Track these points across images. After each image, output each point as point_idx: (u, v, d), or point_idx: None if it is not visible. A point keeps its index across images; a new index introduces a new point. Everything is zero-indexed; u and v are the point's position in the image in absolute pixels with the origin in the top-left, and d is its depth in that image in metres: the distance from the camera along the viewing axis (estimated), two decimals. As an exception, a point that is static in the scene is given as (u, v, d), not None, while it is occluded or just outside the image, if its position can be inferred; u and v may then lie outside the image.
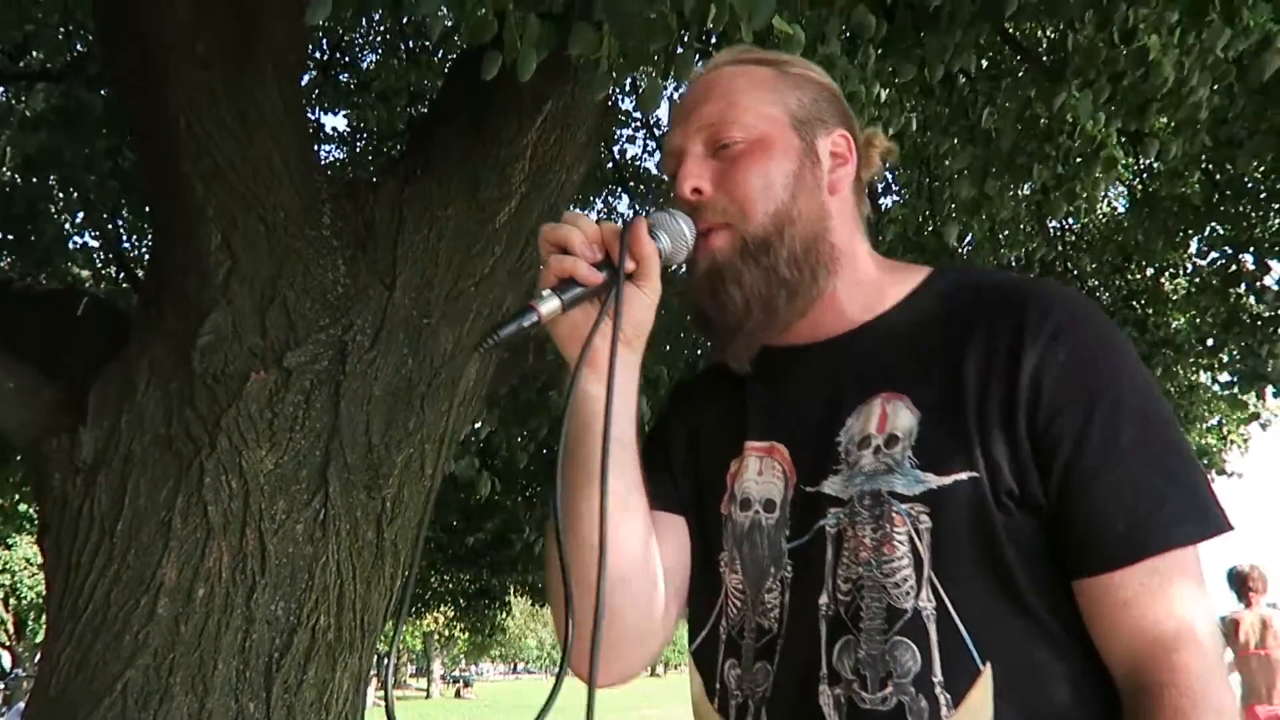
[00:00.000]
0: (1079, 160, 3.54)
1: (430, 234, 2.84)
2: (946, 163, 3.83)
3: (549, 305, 0.85)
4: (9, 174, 4.16)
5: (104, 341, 2.97)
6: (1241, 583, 5.62)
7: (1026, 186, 3.62)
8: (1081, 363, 0.83)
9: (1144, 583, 0.80)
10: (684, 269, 0.98)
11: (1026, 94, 3.51)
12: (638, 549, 0.94)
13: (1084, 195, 3.51)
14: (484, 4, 2.04)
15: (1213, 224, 5.64)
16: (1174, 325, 6.92)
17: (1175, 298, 6.96)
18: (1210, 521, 0.82)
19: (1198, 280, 6.48)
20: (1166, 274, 6.86)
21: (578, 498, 0.89)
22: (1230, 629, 5.37)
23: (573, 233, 0.87)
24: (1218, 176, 5.39)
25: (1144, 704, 0.78)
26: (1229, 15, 3.11)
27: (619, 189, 7.93)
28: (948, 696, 0.80)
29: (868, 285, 0.96)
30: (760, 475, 0.94)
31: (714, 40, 2.31)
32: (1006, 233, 4.02)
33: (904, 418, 0.87)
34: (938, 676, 0.81)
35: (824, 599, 0.86)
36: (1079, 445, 0.81)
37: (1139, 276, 7.04)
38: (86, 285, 5.29)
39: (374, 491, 2.62)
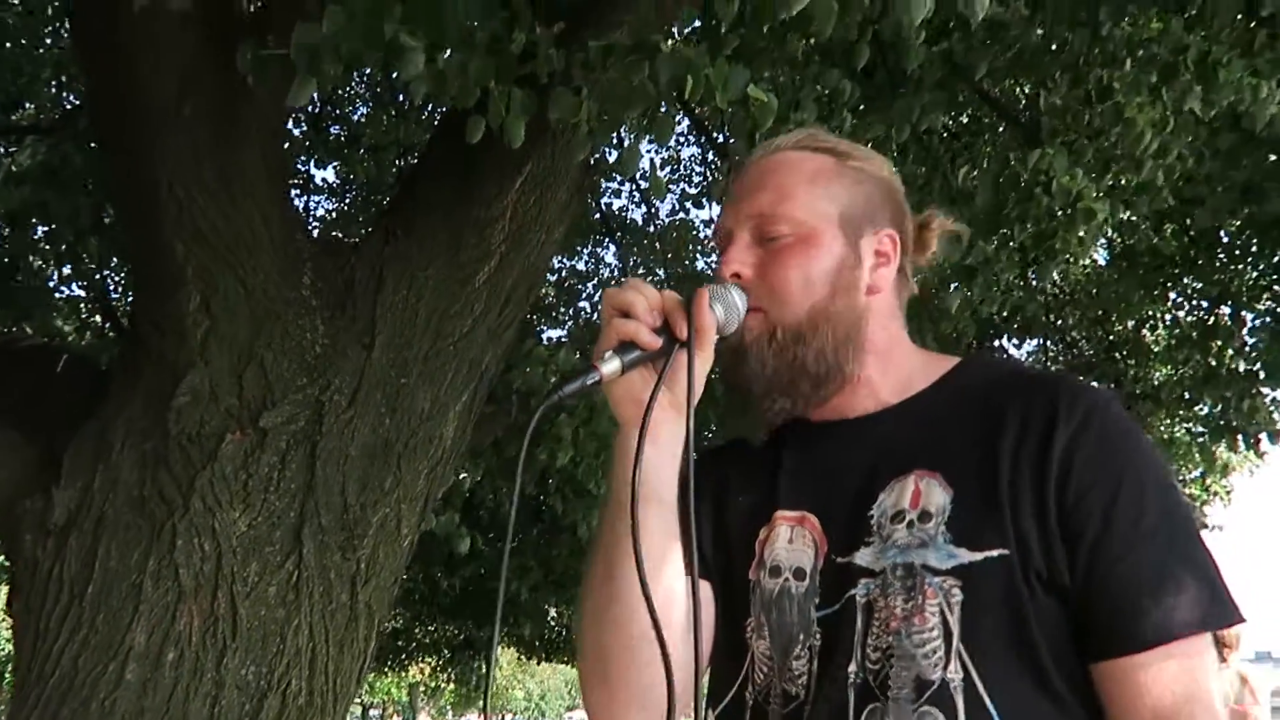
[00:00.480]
0: (1059, 216, 3.59)
1: (410, 294, 2.86)
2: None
3: (610, 366, 0.88)
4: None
5: (82, 398, 2.96)
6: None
7: (1010, 244, 3.67)
8: (1110, 446, 0.87)
9: (1163, 666, 0.83)
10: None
11: (1004, 153, 3.58)
12: (680, 613, 0.94)
13: (1067, 252, 3.56)
14: (465, 81, 2.08)
15: (1187, 278, 5.71)
16: (1156, 377, 6.97)
17: (1157, 349, 7.02)
18: (1227, 612, 0.85)
19: (1177, 333, 6.55)
20: (1147, 327, 6.93)
21: (631, 560, 0.88)
22: None
23: (636, 298, 0.90)
24: (1190, 231, 5.48)
25: None
26: (1202, 74, 3.19)
27: (606, 239, 8.01)
28: None
29: (899, 370, 0.99)
30: (791, 543, 0.96)
31: (697, 102, 2.37)
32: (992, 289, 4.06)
33: (937, 494, 0.89)
34: None
35: (853, 667, 0.88)
36: (1106, 523, 0.84)
37: (1121, 329, 7.11)
38: (69, 339, 5.28)
39: (349, 552, 2.61)
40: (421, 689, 31.81)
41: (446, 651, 11.10)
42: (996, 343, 7.55)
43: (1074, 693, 0.85)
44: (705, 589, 1.01)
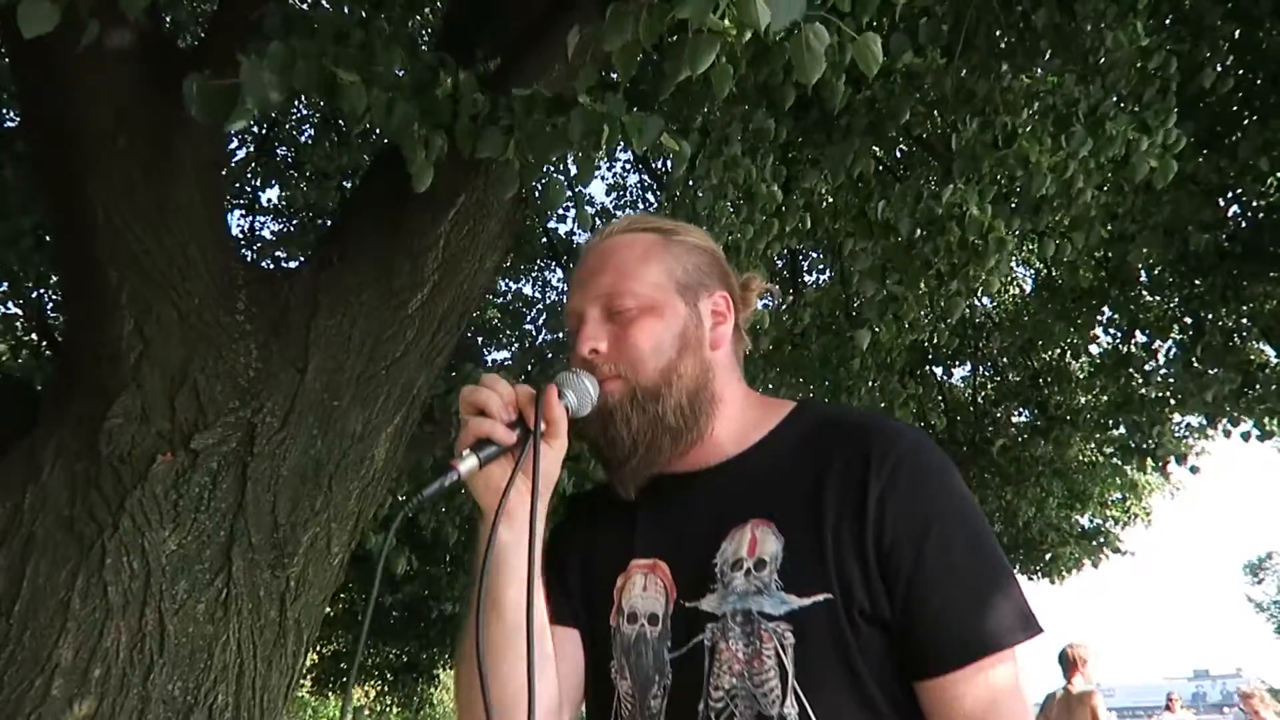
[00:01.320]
0: (973, 245, 3.79)
1: (344, 319, 2.95)
2: (850, 258, 4.08)
3: (468, 464, 0.97)
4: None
5: (13, 420, 3.00)
6: (1066, 662, 5.56)
7: (928, 279, 3.85)
8: (916, 493, 0.99)
9: (974, 680, 0.94)
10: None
11: (920, 187, 3.78)
12: (550, 692, 1.05)
13: (979, 281, 3.76)
14: (390, 123, 2.20)
15: (1104, 310, 5.98)
16: (1079, 402, 7.26)
17: (1080, 376, 7.31)
18: (1030, 627, 0.97)
19: (1096, 361, 6.83)
20: (1070, 354, 7.22)
21: (499, 640, 0.99)
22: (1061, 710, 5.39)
23: (490, 397, 0.99)
24: (1106, 266, 5.75)
25: None
26: (1091, 126, 3.42)
27: (552, 262, 8.12)
28: None
29: (741, 421, 1.11)
30: (645, 590, 1.06)
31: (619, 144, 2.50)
32: (911, 320, 4.25)
33: (770, 543, 1.00)
34: None
35: (701, 705, 0.98)
36: (918, 564, 0.96)
37: (1045, 357, 7.39)
38: (3, 358, 5.25)
39: (278, 570, 2.68)
40: (367, 714, 31.30)
41: (389, 675, 11.03)
42: (929, 369, 7.81)
43: (896, 714, 0.96)
44: (573, 636, 1.11)
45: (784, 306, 5.91)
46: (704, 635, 0.99)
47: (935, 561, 0.96)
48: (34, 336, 6.05)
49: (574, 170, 3.20)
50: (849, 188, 4.45)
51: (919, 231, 3.75)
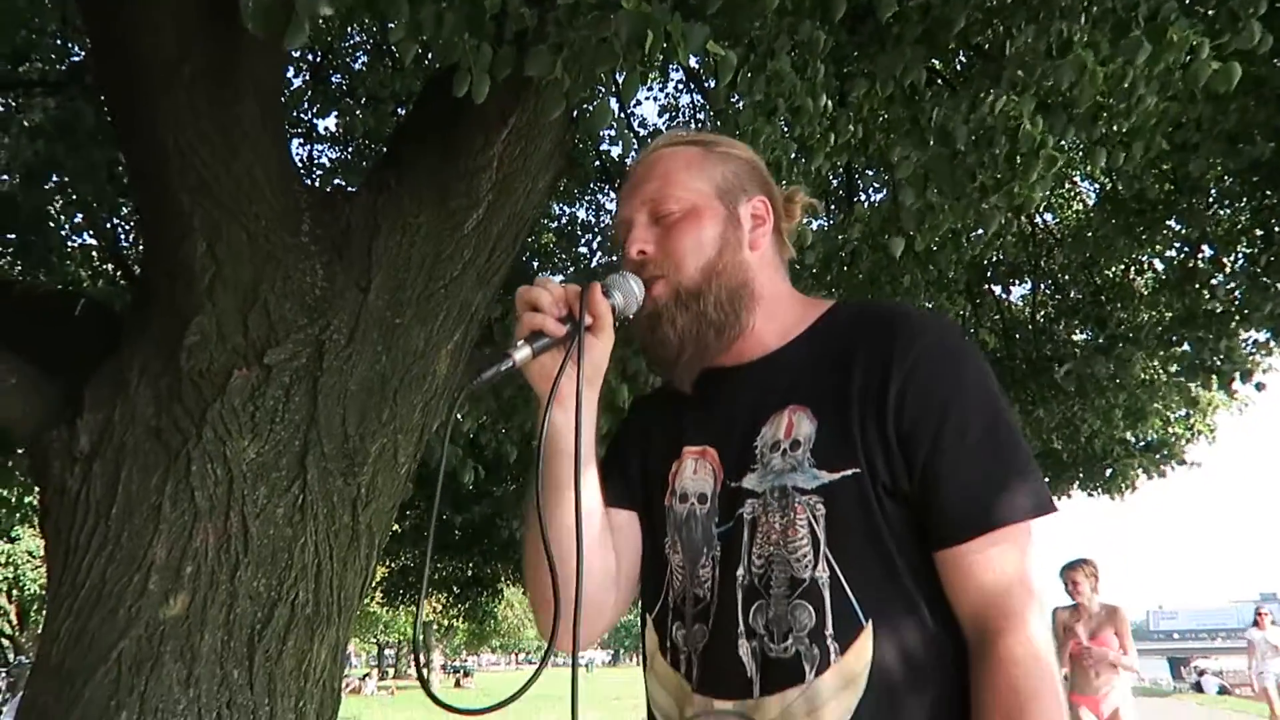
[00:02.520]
0: (1021, 159, 3.73)
1: (403, 240, 3.05)
2: (888, 176, 4.04)
3: (522, 353, 1.06)
4: (12, 181, 4.37)
5: (99, 341, 3.18)
6: (1071, 575, 5.45)
7: (970, 190, 3.80)
8: (936, 377, 1.06)
9: (986, 552, 1.02)
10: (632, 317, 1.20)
11: (976, 95, 3.71)
12: (596, 547, 1.17)
13: (1021, 197, 3.70)
14: (441, 33, 2.25)
15: (1169, 222, 5.83)
16: (1143, 319, 7.12)
17: (1144, 293, 7.15)
18: (1040, 505, 1.04)
19: (1162, 277, 6.68)
20: (1133, 270, 7.06)
21: (554, 509, 1.11)
22: (1068, 621, 5.32)
23: (541, 294, 1.09)
24: (1173, 177, 5.59)
25: (986, 647, 1.00)
26: (1152, 33, 3.31)
27: (606, 185, 8.13)
28: (836, 646, 1.01)
29: (783, 318, 1.19)
30: (695, 474, 1.16)
31: (660, 62, 2.52)
32: (945, 230, 4.20)
33: (805, 425, 1.08)
34: (829, 630, 1.02)
35: (741, 571, 1.08)
36: (935, 445, 1.03)
37: (1108, 273, 7.24)
38: (85, 285, 5.49)
39: (349, 478, 2.84)
40: (435, 628, 32.63)
41: (456, 588, 11.48)
42: (988, 286, 7.70)
43: (917, 580, 1.04)
44: (632, 518, 1.22)
45: (833, 224, 5.88)
46: (745, 510, 1.09)
47: (951, 441, 1.03)
48: (110, 266, 6.31)
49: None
50: (901, 99, 4.38)
51: (970, 141, 3.69)
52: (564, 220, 8.17)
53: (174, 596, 2.51)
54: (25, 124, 4.07)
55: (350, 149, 7.32)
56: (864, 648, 1.00)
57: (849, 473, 1.04)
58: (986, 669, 0.99)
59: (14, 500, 10.97)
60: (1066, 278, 7.35)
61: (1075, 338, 7.55)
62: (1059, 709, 0.98)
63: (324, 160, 7.51)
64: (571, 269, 8.07)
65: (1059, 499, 8.62)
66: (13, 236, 4.80)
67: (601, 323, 1.09)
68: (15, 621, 22.48)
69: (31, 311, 3.62)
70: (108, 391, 2.77)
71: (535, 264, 7.82)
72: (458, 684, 34.99)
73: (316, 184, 6.76)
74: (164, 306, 2.84)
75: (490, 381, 1.05)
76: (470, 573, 10.64)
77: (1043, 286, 7.60)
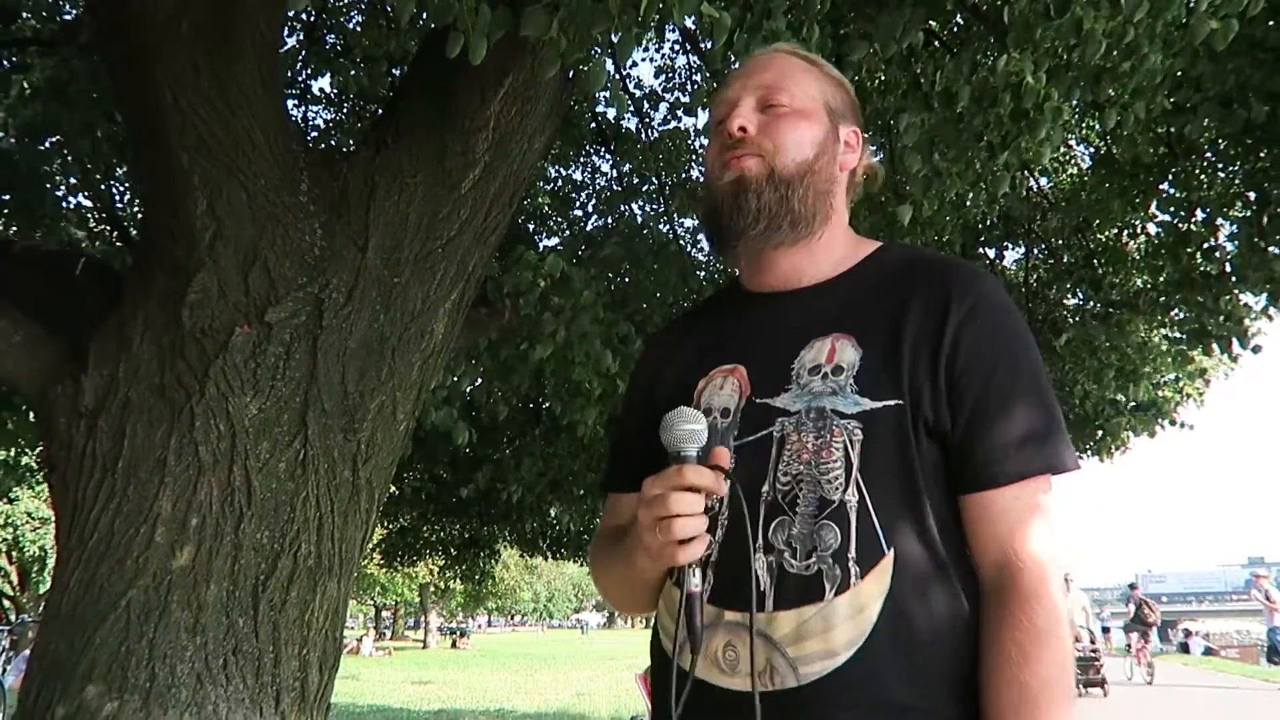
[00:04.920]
0: (1027, 114, 3.74)
1: (400, 199, 3.07)
2: (900, 133, 4.04)
3: (695, 580, 1.07)
4: (9, 141, 4.37)
5: (100, 299, 3.21)
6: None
7: (978, 151, 3.81)
8: (991, 328, 1.10)
9: (1015, 499, 1.06)
10: (703, 185, 1.24)
11: (975, 56, 3.72)
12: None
13: (1030, 152, 3.73)
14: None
15: (1164, 186, 5.86)
16: (1136, 283, 7.16)
17: (1137, 257, 7.19)
18: (1069, 464, 1.09)
19: (1155, 240, 6.71)
20: (1127, 234, 7.09)
21: (639, 583, 1.20)
22: None
23: (692, 523, 1.06)
24: (1168, 140, 5.60)
25: (1007, 585, 1.04)
26: (1148, -13, 3.31)
27: (601, 148, 8.13)
28: (858, 569, 1.04)
29: (840, 247, 1.22)
30: (722, 389, 1.18)
31: (656, 22, 2.53)
32: (954, 195, 4.22)
33: (849, 353, 1.11)
34: (853, 553, 1.04)
35: (766, 488, 1.09)
36: (984, 389, 1.08)
37: (1102, 236, 7.27)
38: (83, 245, 5.51)
39: (349, 434, 2.90)
40: (431, 589, 32.95)
41: (453, 550, 11.60)
42: (981, 250, 7.74)
43: (939, 519, 1.08)
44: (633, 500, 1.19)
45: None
46: (774, 428, 1.11)
47: (998, 391, 1.07)
48: (106, 227, 6.32)
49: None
50: (899, 61, 4.38)
51: (973, 101, 3.70)
52: (559, 182, 8.16)
53: (180, 548, 2.57)
54: (24, 85, 4.06)
55: (345, 110, 7.29)
56: (884, 574, 1.03)
57: (892, 403, 1.07)
58: (1005, 606, 1.03)
59: (12, 461, 11.05)
60: (1060, 241, 7.38)
61: (1068, 302, 7.60)
62: (1070, 654, 1.03)
63: (319, 121, 7.49)
64: (566, 231, 8.08)
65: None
66: (8, 197, 4.81)
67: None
68: (16, 582, 22.66)
69: (32, 270, 3.65)
70: (111, 348, 2.81)
71: (530, 226, 7.83)
72: (454, 645, 35.41)
73: (313, 145, 6.75)
74: (165, 264, 2.88)
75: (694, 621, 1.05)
76: (468, 535, 10.76)
77: (1036, 250, 7.64)
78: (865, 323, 1.13)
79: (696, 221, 7.94)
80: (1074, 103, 4.69)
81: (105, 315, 3.00)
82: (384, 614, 44.66)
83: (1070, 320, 7.21)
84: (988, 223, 7.29)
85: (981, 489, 1.07)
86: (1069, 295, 7.51)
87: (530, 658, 26.92)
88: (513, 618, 64.52)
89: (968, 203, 5.09)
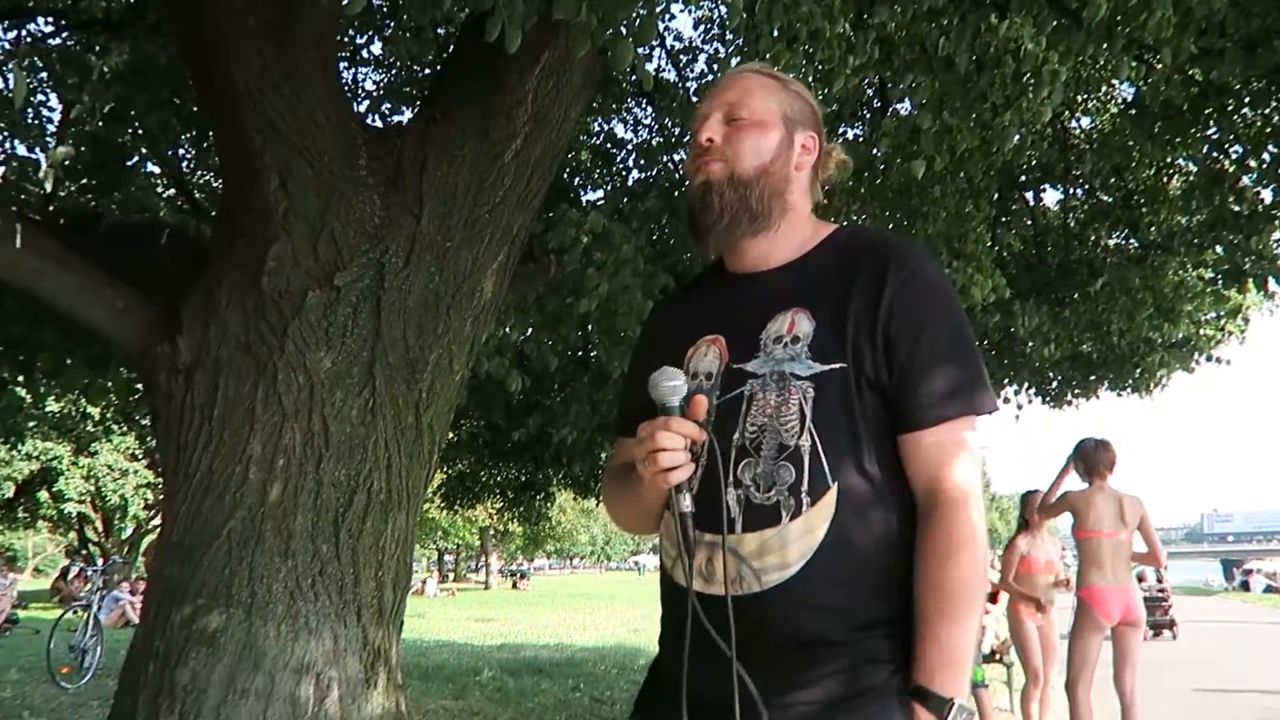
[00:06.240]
0: (1026, 78, 3.91)
1: (449, 170, 3.38)
2: (907, 99, 4.22)
3: (687, 503, 1.31)
4: (96, 123, 4.75)
5: (184, 266, 3.60)
6: (1091, 457, 5.15)
7: (983, 111, 3.98)
8: (921, 296, 1.34)
9: (941, 436, 1.31)
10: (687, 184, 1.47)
11: (978, 23, 3.88)
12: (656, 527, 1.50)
13: (1031, 112, 3.90)
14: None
15: (1195, 128, 5.90)
16: (1173, 223, 7.19)
17: (1175, 196, 7.20)
18: (988, 406, 1.35)
19: (1190, 180, 6.75)
20: (1165, 175, 7.11)
21: (644, 507, 1.45)
22: (1077, 505, 5.12)
23: (674, 456, 1.29)
24: (1199, 82, 5.64)
25: (933, 506, 1.30)
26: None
27: (642, 100, 8.30)
28: (808, 499, 1.29)
29: (801, 233, 1.46)
30: (705, 356, 1.43)
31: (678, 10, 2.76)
32: (965, 150, 4.39)
33: (805, 324, 1.36)
34: (805, 487, 1.29)
35: (736, 436, 1.34)
36: (914, 349, 1.32)
37: (1140, 177, 7.28)
38: (162, 214, 5.91)
39: (411, 384, 3.25)
40: (491, 533, 33.99)
41: (510, 493, 12.11)
42: (1018, 193, 7.81)
43: (880, 458, 1.32)
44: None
45: (863, 140, 6.06)
46: (744, 388, 1.35)
47: (927, 347, 1.32)
48: (173, 192, 6.73)
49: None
50: (923, 18, 4.53)
51: (974, 66, 3.87)
52: (600, 137, 8.38)
53: (270, 484, 2.96)
54: (103, 69, 4.42)
55: (393, 72, 7.57)
56: (829, 503, 1.28)
57: (837, 366, 1.31)
58: (931, 522, 1.30)
59: (97, 417, 11.76)
60: (1098, 182, 7.42)
61: (1107, 242, 7.65)
62: (982, 561, 1.29)
63: (368, 84, 7.79)
64: (608, 185, 8.31)
65: (1088, 400, 8.82)
66: (93, 174, 5.20)
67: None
68: (101, 528, 23.97)
69: (122, 241, 4.05)
70: (201, 311, 3.18)
71: (573, 181, 8.07)
72: (514, 586, 36.52)
73: (362, 107, 7.06)
74: (245, 234, 3.23)
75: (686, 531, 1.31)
76: (523, 478, 11.23)
77: (1074, 191, 7.69)
78: (818, 297, 1.37)
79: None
80: (1089, 56, 4.79)
81: (191, 281, 3.37)
82: (446, 558, 46.06)
83: (1107, 262, 7.28)
84: (1025, 165, 7.35)
85: (912, 430, 1.31)
86: (1107, 236, 7.57)
87: (588, 597, 27.73)
88: (570, 560, 65.93)
89: (995, 150, 5.23)
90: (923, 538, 1.30)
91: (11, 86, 5.84)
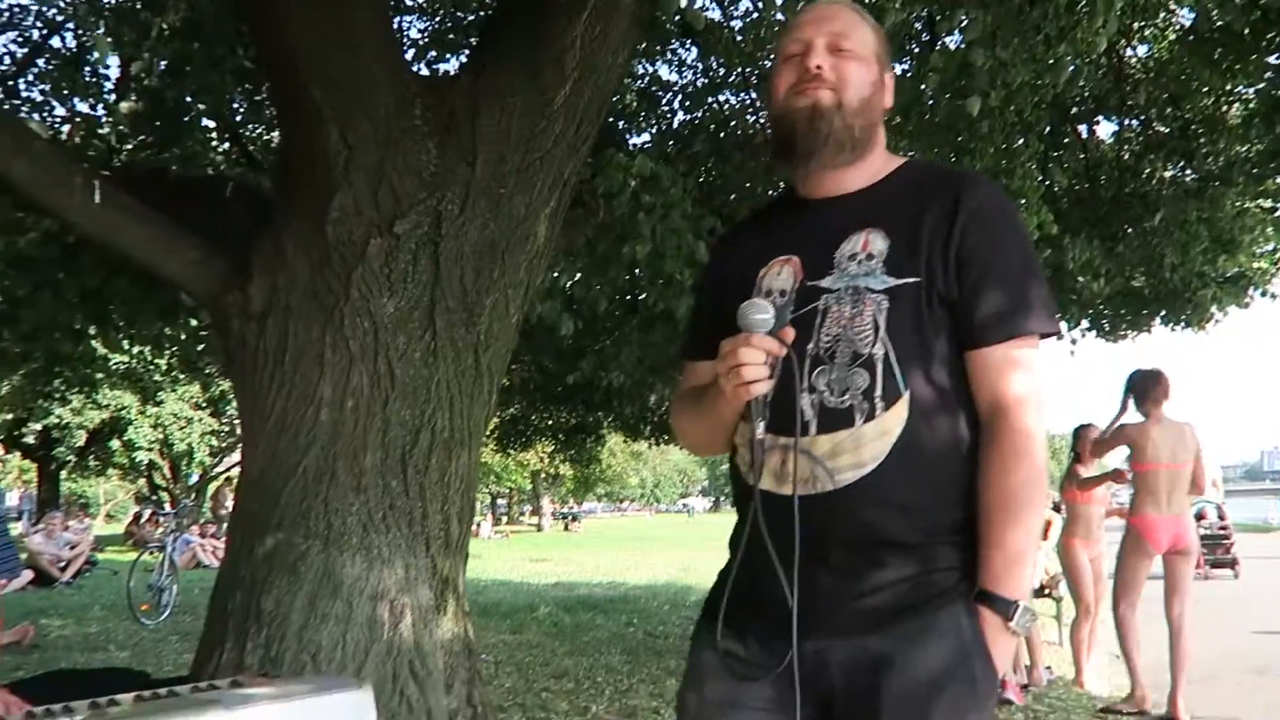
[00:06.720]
0: (1081, 8, 3.86)
1: (501, 118, 3.46)
2: (957, 32, 4.18)
3: (761, 425, 1.38)
4: (155, 79, 4.89)
5: (247, 217, 3.74)
6: (1143, 388, 5.14)
7: (1036, 44, 3.93)
8: (992, 220, 1.42)
9: (1005, 354, 1.39)
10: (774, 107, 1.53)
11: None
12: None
13: (1086, 43, 3.85)
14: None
15: (1257, 55, 5.74)
16: (1231, 153, 7.02)
17: (1235, 124, 7.01)
18: (1054, 327, 1.43)
19: (1251, 108, 6.58)
20: (1224, 103, 6.92)
21: (718, 424, 1.52)
22: (1133, 438, 5.10)
23: (756, 370, 1.36)
24: (1260, 6, 5.48)
25: (996, 421, 1.38)
26: None
27: (688, 41, 8.25)
28: (882, 404, 1.37)
29: (873, 166, 1.54)
30: (779, 274, 1.50)
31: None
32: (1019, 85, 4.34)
33: (879, 243, 1.44)
34: (878, 393, 1.37)
35: (811, 345, 1.42)
36: (983, 270, 1.40)
37: (1200, 105, 7.10)
38: (222, 168, 6.09)
39: (470, 327, 3.38)
40: (542, 476, 34.61)
41: (561, 436, 12.36)
42: (1070, 126, 7.65)
43: (948, 370, 1.41)
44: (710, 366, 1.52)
45: (910, 75, 5.98)
46: (819, 302, 1.41)
47: (996, 269, 1.40)
48: (233, 149, 6.89)
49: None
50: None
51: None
52: (646, 80, 8.35)
53: (340, 424, 3.13)
54: (162, 26, 4.55)
55: (438, 20, 7.61)
56: (901, 409, 1.37)
57: (910, 280, 1.38)
58: (993, 433, 1.38)
59: (165, 366, 12.22)
60: (1154, 112, 7.25)
61: (1162, 174, 7.50)
62: (1043, 469, 1.37)
63: (413, 32, 7.84)
64: (655, 128, 8.30)
65: (1141, 334, 8.72)
66: (155, 131, 5.36)
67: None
68: (169, 474, 24.88)
69: (188, 195, 4.21)
70: (270, 261, 3.33)
71: (619, 124, 8.08)
72: (566, 528, 37.24)
73: (408, 56, 7.12)
74: (307, 186, 3.35)
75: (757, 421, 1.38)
76: (574, 421, 11.45)
77: (1129, 122, 7.53)
78: (892, 219, 1.45)
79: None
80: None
81: (254, 232, 3.52)
82: (499, 501, 47.00)
83: (1162, 194, 7.14)
84: (1077, 97, 7.20)
85: (979, 346, 1.40)
86: (1162, 168, 7.42)
87: (639, 539, 28.21)
88: (620, 504, 66.84)
89: (1044, 82, 5.15)
90: (986, 447, 1.39)
91: (70, 45, 6.04)
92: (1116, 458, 5.57)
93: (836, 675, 1.33)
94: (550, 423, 11.90)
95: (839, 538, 1.34)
